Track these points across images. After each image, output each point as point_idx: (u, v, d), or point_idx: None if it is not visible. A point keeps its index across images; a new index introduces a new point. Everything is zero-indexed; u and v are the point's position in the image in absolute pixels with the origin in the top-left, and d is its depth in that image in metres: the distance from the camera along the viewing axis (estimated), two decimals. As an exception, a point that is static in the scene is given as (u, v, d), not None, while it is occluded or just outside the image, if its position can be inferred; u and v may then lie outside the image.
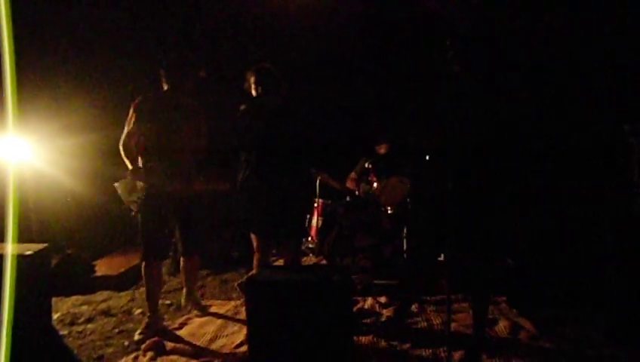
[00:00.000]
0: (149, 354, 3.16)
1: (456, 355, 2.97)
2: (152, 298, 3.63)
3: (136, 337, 3.43)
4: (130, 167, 3.46)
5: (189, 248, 3.79)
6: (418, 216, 3.26)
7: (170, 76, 3.56)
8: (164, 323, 3.75)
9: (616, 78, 5.22)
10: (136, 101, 3.55)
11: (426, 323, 3.61)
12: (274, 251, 4.93)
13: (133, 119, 3.50)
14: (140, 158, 3.53)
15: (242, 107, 3.52)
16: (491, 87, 2.88)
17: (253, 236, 3.56)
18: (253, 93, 3.51)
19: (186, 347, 3.32)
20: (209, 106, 3.83)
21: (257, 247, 3.54)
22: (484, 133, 2.85)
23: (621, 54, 5.23)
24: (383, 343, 3.28)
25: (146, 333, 3.43)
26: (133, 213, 3.48)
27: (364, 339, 3.33)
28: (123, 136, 3.49)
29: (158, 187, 3.47)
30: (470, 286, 2.86)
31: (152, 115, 3.49)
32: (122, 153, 3.47)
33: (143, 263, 3.61)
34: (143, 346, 3.25)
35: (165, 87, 3.62)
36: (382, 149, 5.51)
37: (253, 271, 3.56)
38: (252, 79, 3.53)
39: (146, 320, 3.61)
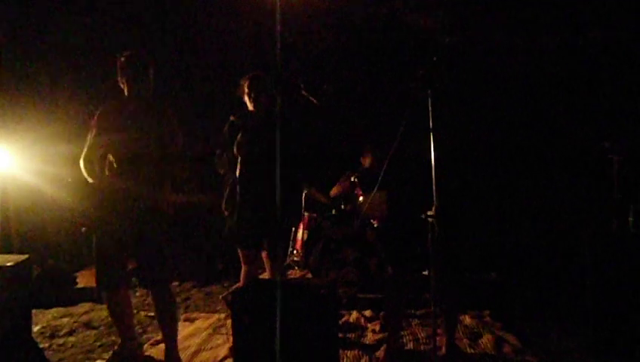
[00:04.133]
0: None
1: (442, 369, 2.97)
2: (120, 326, 3.19)
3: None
4: (90, 181, 3.06)
5: (145, 276, 3.15)
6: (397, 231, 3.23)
7: (126, 77, 3.08)
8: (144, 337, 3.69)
9: (597, 95, 5.34)
10: (96, 115, 3.12)
11: (411, 337, 3.61)
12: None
13: (93, 133, 3.08)
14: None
15: (232, 118, 3.47)
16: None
17: (239, 249, 3.52)
18: (246, 100, 3.46)
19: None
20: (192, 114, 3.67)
21: (244, 260, 3.50)
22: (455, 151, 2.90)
23: (602, 71, 5.36)
24: (367, 357, 3.27)
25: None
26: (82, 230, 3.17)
27: (349, 353, 3.31)
28: (84, 151, 3.07)
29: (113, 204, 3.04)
30: (443, 298, 2.89)
31: (113, 126, 3.05)
32: (82, 168, 3.05)
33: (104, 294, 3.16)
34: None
35: (126, 93, 3.13)
36: (367, 161, 5.52)
37: (239, 284, 3.53)
38: (246, 87, 3.47)
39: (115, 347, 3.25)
